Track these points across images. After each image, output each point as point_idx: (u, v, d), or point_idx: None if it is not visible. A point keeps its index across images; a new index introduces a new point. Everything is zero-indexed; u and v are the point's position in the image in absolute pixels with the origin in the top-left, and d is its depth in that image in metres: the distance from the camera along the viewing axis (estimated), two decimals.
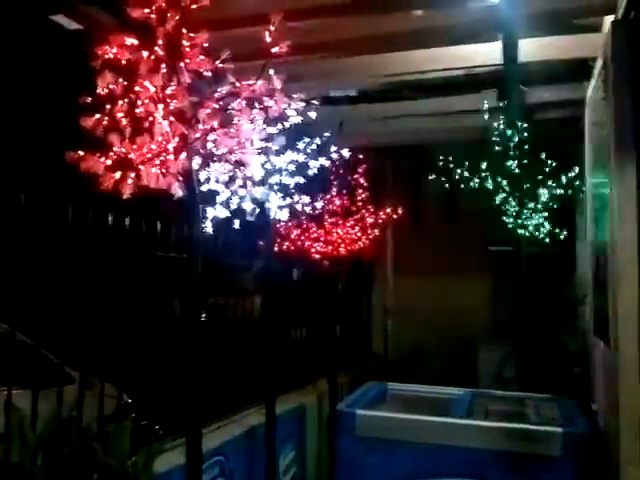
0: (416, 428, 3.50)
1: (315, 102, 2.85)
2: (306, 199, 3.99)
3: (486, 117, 5.16)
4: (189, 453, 2.41)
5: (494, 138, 5.16)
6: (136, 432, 2.52)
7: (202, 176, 2.54)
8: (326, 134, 4.04)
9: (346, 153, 4.42)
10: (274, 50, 2.28)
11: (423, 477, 3.42)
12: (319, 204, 4.48)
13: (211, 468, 3.59)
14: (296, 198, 3.77)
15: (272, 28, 2.26)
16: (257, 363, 4.57)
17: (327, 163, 4.05)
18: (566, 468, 3.19)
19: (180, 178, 2.34)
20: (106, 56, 2.16)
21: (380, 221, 5.26)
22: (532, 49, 4.32)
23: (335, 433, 3.73)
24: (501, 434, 3.35)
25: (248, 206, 2.82)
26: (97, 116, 2.21)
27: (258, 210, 3.03)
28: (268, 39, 2.28)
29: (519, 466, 3.27)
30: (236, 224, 3.03)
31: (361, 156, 5.12)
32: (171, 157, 2.26)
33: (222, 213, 2.88)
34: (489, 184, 4.91)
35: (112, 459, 2.13)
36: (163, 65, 2.19)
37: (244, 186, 2.62)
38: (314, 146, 3.85)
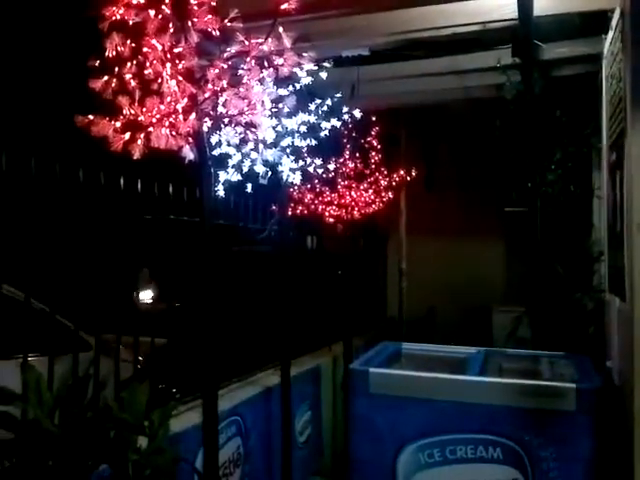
0: (430, 385, 3.53)
1: (327, 64, 2.80)
2: (319, 162, 3.95)
3: (500, 75, 5.06)
4: (205, 413, 2.44)
5: (508, 96, 5.07)
6: (153, 395, 2.55)
7: (213, 139, 2.52)
8: (338, 95, 3.98)
9: (358, 115, 4.36)
10: (283, 7, 2.24)
11: (436, 434, 3.47)
12: (332, 167, 4.45)
13: (228, 427, 3.66)
14: (309, 161, 3.74)
15: None
16: (273, 325, 4.62)
17: (340, 125, 4.00)
18: (580, 423, 3.21)
19: (190, 140, 2.33)
20: (113, 17, 2.13)
21: (394, 184, 5.23)
22: (548, 2, 4.20)
23: (349, 391, 3.77)
24: (515, 390, 3.37)
25: (260, 169, 2.82)
26: (105, 78, 2.19)
27: (270, 173, 3.02)
28: None
29: (533, 421, 3.29)
30: (248, 188, 3.02)
31: (374, 118, 5.07)
32: (180, 118, 2.24)
33: (234, 177, 2.86)
34: (503, 143, 4.85)
35: (129, 415, 2.17)
36: (170, 25, 2.16)
37: (256, 149, 2.61)
38: (326, 108, 3.80)
